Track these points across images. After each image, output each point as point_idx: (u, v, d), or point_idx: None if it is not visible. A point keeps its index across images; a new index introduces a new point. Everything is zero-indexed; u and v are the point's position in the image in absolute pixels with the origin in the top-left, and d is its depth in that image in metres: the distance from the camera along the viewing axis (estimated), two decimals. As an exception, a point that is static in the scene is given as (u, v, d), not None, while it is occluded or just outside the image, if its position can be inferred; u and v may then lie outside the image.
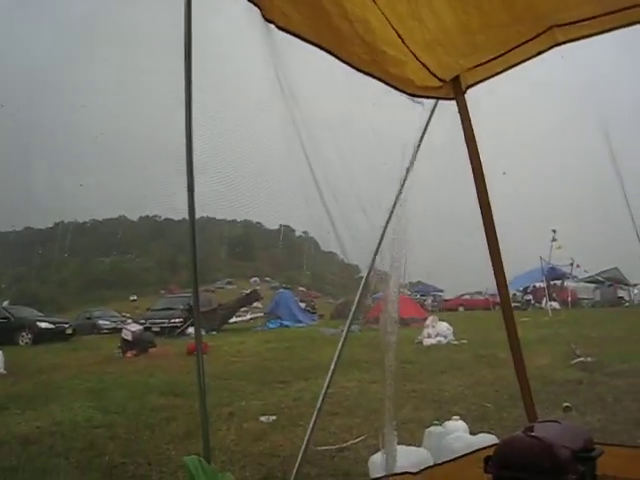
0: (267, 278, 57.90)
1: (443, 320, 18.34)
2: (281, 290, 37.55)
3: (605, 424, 6.49)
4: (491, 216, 3.28)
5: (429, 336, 17.17)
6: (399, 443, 4.45)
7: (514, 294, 34.99)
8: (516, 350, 3.48)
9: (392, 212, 3.36)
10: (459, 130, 3.24)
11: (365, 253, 3.51)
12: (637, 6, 2.41)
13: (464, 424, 5.47)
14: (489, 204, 3.27)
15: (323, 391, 3.93)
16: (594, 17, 2.53)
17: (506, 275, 3.49)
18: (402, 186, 3.28)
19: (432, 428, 5.43)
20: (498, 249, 3.32)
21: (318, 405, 3.92)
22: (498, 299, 3.62)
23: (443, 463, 3.38)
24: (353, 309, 4.05)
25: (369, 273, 3.65)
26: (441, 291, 44.57)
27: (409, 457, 4.61)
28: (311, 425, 3.94)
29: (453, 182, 3.82)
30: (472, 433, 5.35)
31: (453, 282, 35.76)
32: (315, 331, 22.31)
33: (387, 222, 3.36)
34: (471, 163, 3.21)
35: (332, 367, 3.92)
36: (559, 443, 2.04)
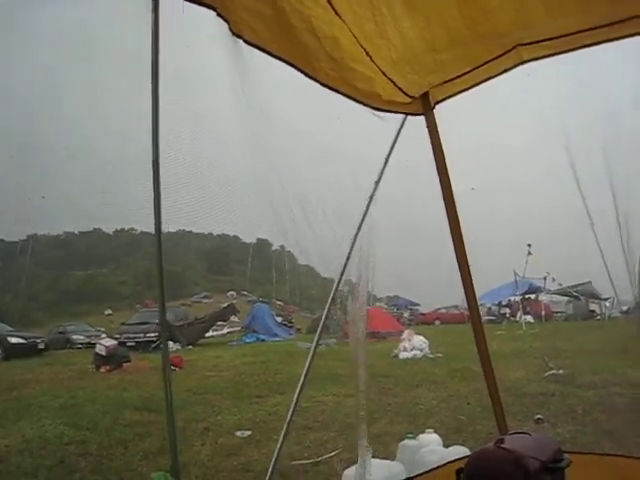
0: (244, 292, 57.63)
1: (419, 334, 18.39)
2: (258, 304, 37.40)
3: (575, 435, 6.59)
4: (460, 231, 3.32)
5: (405, 350, 17.20)
6: (373, 456, 4.48)
7: (490, 308, 35.39)
8: (486, 363, 3.52)
9: (360, 226, 3.39)
10: (428, 146, 3.28)
11: (337, 267, 3.54)
12: (593, 29, 2.50)
13: (438, 437, 5.51)
14: (458, 220, 3.31)
15: (293, 404, 3.92)
16: (556, 37, 2.61)
17: (480, 289, 3.53)
18: (370, 200, 3.32)
19: (406, 441, 5.46)
20: (467, 263, 3.35)
21: (288, 418, 3.91)
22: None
23: (416, 476, 3.39)
24: (322, 323, 4.05)
25: (337, 287, 3.67)
26: (417, 305, 44.76)
27: (383, 470, 4.64)
28: (281, 438, 3.92)
29: (424, 197, 3.87)
30: (446, 446, 5.40)
31: (429, 296, 36.09)
32: (292, 345, 22.20)
33: (355, 236, 3.39)
34: (439, 179, 3.26)
35: (302, 380, 3.91)
36: (528, 454, 2.07)
